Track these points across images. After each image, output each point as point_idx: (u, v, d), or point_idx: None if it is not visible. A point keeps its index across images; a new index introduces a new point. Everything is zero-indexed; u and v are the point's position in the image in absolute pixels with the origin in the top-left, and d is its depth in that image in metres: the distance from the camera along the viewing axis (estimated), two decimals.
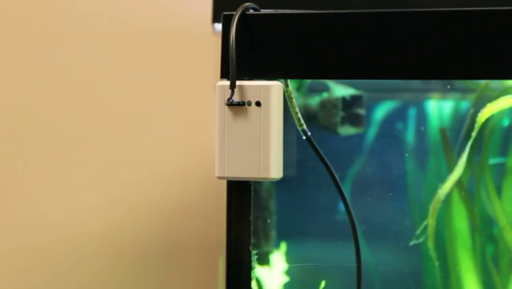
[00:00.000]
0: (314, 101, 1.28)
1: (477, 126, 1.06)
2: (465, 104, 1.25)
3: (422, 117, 1.27)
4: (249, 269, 1.08)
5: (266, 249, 1.25)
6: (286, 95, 0.98)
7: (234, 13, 0.93)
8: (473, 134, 1.07)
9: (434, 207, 1.14)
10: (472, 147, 1.09)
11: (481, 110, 1.06)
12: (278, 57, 0.95)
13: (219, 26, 1.00)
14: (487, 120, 1.10)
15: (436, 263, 1.19)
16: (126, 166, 1.53)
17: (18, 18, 1.53)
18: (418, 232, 1.18)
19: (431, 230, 1.15)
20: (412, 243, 1.19)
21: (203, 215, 1.50)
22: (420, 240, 1.17)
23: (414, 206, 1.27)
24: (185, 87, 1.53)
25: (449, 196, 1.19)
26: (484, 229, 1.21)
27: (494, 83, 1.14)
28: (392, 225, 1.27)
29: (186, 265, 1.52)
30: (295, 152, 1.22)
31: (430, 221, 1.15)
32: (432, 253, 1.17)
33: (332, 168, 1.01)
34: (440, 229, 1.20)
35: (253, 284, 1.11)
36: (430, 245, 1.16)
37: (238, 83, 0.91)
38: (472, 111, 1.15)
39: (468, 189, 1.19)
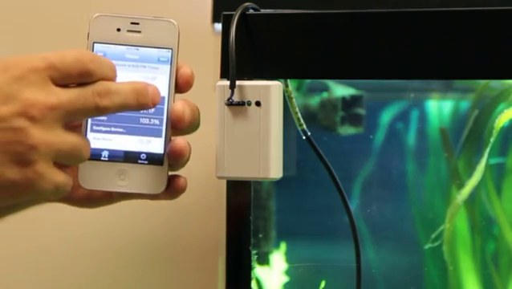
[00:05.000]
0: (314, 101, 1.28)
1: (495, 132, 1.07)
2: (465, 104, 1.25)
3: (423, 117, 1.27)
4: (249, 269, 1.08)
5: (266, 249, 1.25)
6: (286, 95, 0.98)
7: (234, 13, 0.93)
8: (491, 140, 1.07)
9: (452, 212, 1.13)
10: (489, 152, 1.09)
11: (499, 116, 1.06)
12: (278, 57, 0.95)
13: (219, 26, 1.00)
14: (487, 120, 1.10)
15: (451, 268, 1.18)
16: None
17: (18, 18, 1.53)
18: (433, 236, 1.17)
19: (447, 235, 1.14)
20: (427, 247, 1.18)
21: (203, 215, 1.50)
22: (436, 244, 1.17)
23: (415, 206, 1.27)
24: None
25: (449, 196, 1.19)
26: (484, 229, 1.21)
27: (494, 83, 1.14)
28: (392, 224, 1.27)
29: (186, 265, 1.52)
30: (295, 152, 1.22)
31: (447, 227, 1.14)
32: (448, 258, 1.17)
33: (332, 168, 1.01)
34: None
35: (253, 284, 1.11)
36: (446, 249, 1.16)
37: (238, 82, 0.91)
38: (475, 111, 1.15)
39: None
